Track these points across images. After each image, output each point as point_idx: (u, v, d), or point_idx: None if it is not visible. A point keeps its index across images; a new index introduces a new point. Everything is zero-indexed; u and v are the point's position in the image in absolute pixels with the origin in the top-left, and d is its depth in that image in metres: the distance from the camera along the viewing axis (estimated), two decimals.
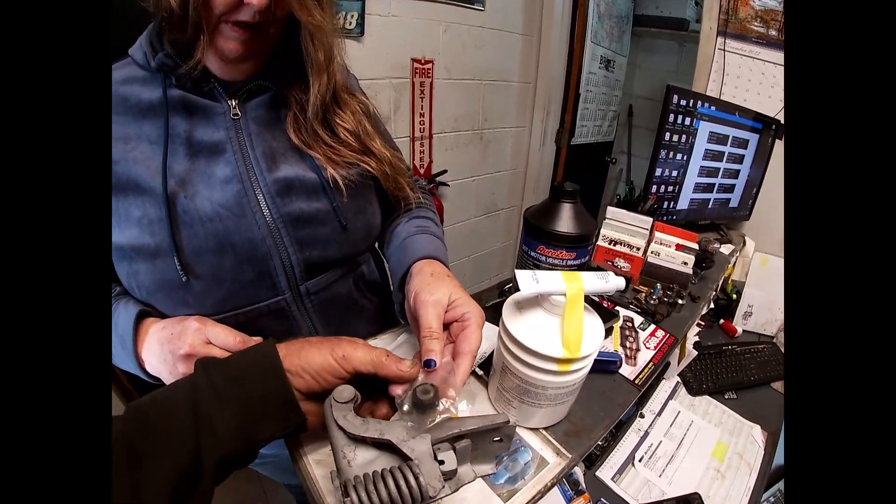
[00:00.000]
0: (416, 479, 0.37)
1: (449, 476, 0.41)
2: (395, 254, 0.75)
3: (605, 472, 1.05)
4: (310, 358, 0.46)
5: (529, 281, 0.50)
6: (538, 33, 2.16)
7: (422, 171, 1.99)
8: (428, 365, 0.50)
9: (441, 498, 0.40)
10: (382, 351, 0.49)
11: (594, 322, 0.55)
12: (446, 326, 0.57)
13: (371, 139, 0.74)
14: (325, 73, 0.65)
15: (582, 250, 0.65)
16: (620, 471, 1.06)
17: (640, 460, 1.09)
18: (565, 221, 0.64)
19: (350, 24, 1.59)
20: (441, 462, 0.40)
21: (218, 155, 0.63)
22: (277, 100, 0.68)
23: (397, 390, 0.50)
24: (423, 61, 1.81)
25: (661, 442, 1.14)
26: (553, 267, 0.65)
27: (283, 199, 0.65)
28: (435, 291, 0.57)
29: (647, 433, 1.16)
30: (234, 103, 0.65)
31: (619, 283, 0.54)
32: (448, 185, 2.11)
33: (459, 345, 0.54)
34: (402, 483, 0.37)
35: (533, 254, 0.66)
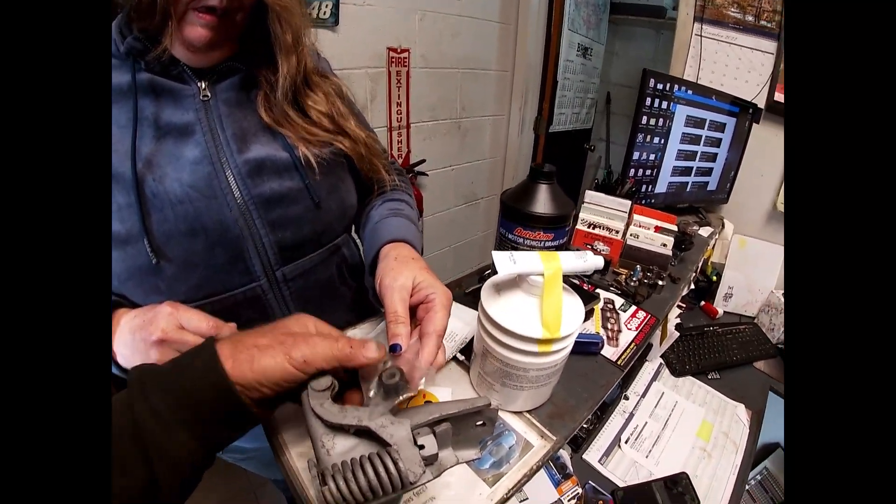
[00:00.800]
0: (396, 464, 0.36)
1: (430, 461, 0.40)
2: (367, 238, 0.75)
3: (591, 455, 1.06)
4: (265, 369, 0.40)
5: (507, 262, 0.50)
6: (515, 21, 2.15)
7: (400, 161, 1.98)
8: (394, 349, 0.51)
9: (422, 484, 0.39)
10: (344, 339, 0.45)
11: (574, 302, 0.55)
12: (413, 310, 0.57)
13: (345, 120, 0.73)
14: (293, 55, 0.65)
15: (560, 231, 0.64)
16: (607, 453, 1.07)
17: (626, 442, 1.10)
18: (542, 202, 0.63)
19: (324, 13, 1.56)
20: (421, 447, 0.39)
21: (187, 136, 0.62)
22: (248, 81, 0.67)
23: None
24: (398, 50, 1.79)
25: (646, 423, 1.15)
26: (531, 249, 0.64)
27: (253, 179, 0.64)
28: (399, 276, 0.58)
29: (632, 415, 1.17)
30: (203, 85, 0.63)
31: (598, 262, 0.54)
32: (427, 175, 2.10)
33: (425, 326, 0.54)
34: (381, 469, 0.36)
35: (511, 236, 0.65)
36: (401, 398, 0.44)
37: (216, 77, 0.65)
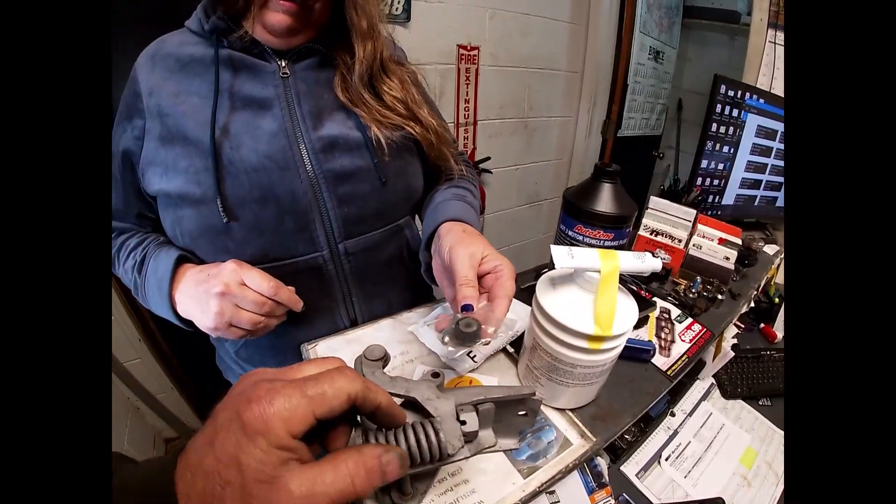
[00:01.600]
0: (437, 434, 0.37)
1: (469, 437, 0.41)
2: (427, 216, 0.76)
3: (630, 468, 1.03)
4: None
5: (565, 256, 0.50)
6: (586, 21, 2.11)
7: (468, 157, 2.00)
8: (466, 309, 0.52)
9: (460, 459, 0.40)
10: (366, 461, 0.30)
11: (628, 303, 0.54)
12: (479, 279, 0.57)
13: (419, 107, 0.76)
14: (369, 41, 0.68)
15: (620, 231, 0.63)
16: (646, 468, 1.04)
17: (666, 459, 1.06)
18: (605, 201, 0.63)
19: (397, 9, 1.59)
20: (463, 423, 0.40)
21: (265, 110, 0.66)
22: (326, 62, 0.70)
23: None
24: (468, 48, 1.80)
25: (689, 442, 1.11)
26: (591, 247, 0.64)
27: (325, 155, 0.67)
28: (469, 245, 0.58)
29: (676, 432, 1.13)
30: (283, 63, 0.67)
31: (656, 264, 0.53)
32: (491, 173, 2.10)
33: (495, 290, 0.54)
34: (422, 437, 0.37)
35: (571, 233, 0.65)
36: (476, 344, 0.47)
37: (295, 57, 0.68)
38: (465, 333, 0.46)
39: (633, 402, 0.65)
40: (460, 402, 0.41)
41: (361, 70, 0.69)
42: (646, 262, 0.53)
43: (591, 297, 0.52)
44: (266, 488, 0.26)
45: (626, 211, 0.63)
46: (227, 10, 0.63)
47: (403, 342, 0.71)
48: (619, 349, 0.54)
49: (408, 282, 0.85)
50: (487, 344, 0.49)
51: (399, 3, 1.58)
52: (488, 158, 2.03)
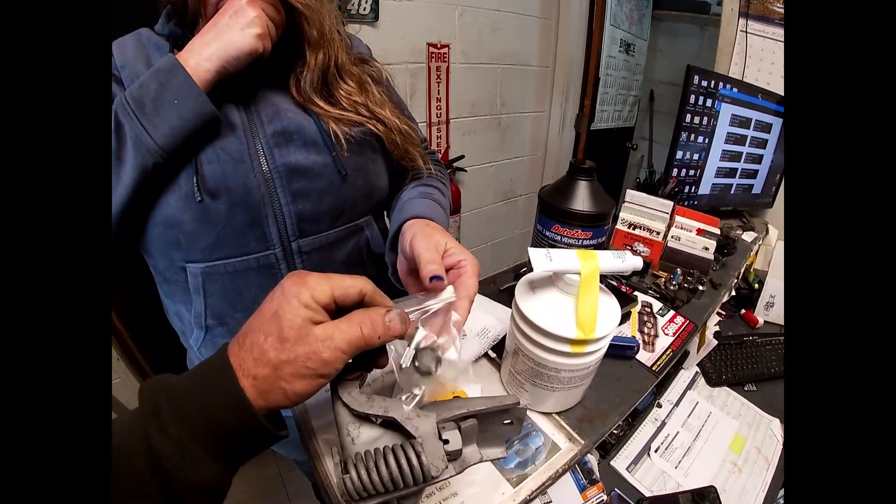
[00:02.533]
0: (419, 457, 0.35)
1: (453, 456, 0.39)
2: (394, 216, 0.73)
3: (619, 462, 1.03)
4: (298, 393, 0.36)
5: (543, 259, 0.48)
6: (556, 16, 2.11)
7: (438, 156, 1.97)
8: (435, 279, 0.48)
9: (444, 479, 0.39)
10: (365, 318, 0.39)
11: (610, 303, 0.53)
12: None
13: (380, 107, 0.74)
14: (320, 50, 0.68)
15: (598, 230, 0.63)
16: (636, 461, 1.04)
17: (655, 451, 1.06)
18: (581, 199, 0.62)
19: (364, 9, 1.57)
20: (446, 441, 0.38)
21: (222, 106, 0.65)
22: (281, 64, 0.70)
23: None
24: (438, 46, 1.79)
25: (677, 433, 1.11)
26: (568, 247, 0.62)
27: (280, 149, 0.67)
28: (432, 236, 0.55)
29: (663, 423, 1.13)
30: None
31: (636, 262, 0.52)
32: (466, 171, 2.09)
33: (458, 290, 0.50)
34: (403, 461, 0.35)
35: (548, 233, 0.64)
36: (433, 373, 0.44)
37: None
38: (420, 369, 0.43)
39: (620, 400, 0.65)
40: (442, 419, 0.40)
41: (313, 77, 0.69)
42: (626, 262, 0.52)
43: (571, 300, 0.51)
44: (296, 333, 0.36)
45: (603, 208, 0.62)
46: (179, 22, 0.66)
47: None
48: (604, 350, 0.53)
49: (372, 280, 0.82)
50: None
51: (367, 2, 1.55)
52: (462, 157, 2.02)
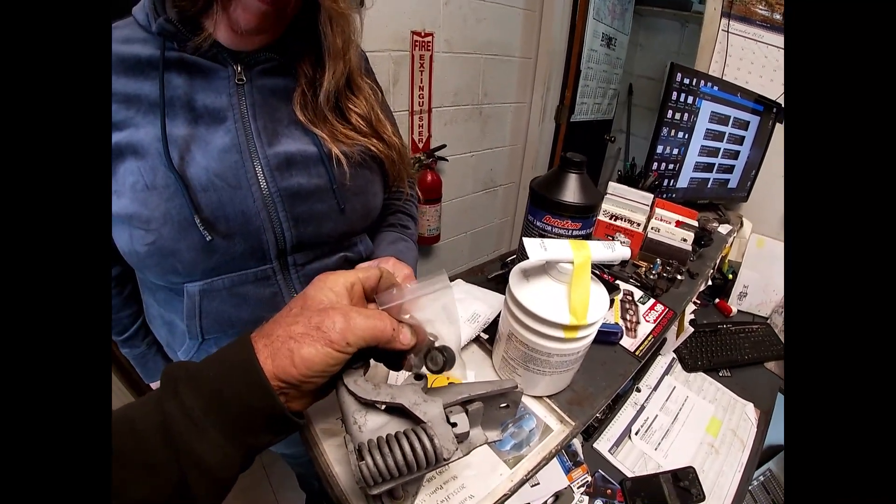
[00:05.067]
0: (432, 440, 0.37)
1: (462, 438, 0.41)
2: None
3: (602, 445, 1.07)
4: (308, 361, 0.37)
5: (538, 248, 0.50)
6: (540, 8, 2.11)
7: (420, 145, 1.97)
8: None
9: (455, 460, 0.40)
10: (385, 319, 0.41)
11: (600, 291, 0.55)
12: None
13: (382, 126, 0.73)
14: (341, 60, 0.64)
15: (587, 221, 0.65)
16: (617, 443, 1.08)
17: (636, 433, 1.11)
18: (572, 191, 0.64)
19: None
20: (454, 425, 0.40)
21: (218, 123, 0.61)
22: (284, 70, 0.66)
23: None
24: (422, 34, 1.78)
25: (656, 416, 1.16)
26: (559, 237, 0.64)
27: (281, 173, 0.64)
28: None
29: (643, 407, 1.18)
30: (238, 68, 0.62)
31: (625, 252, 0.54)
32: (447, 161, 2.09)
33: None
34: (416, 445, 0.37)
35: (539, 223, 0.66)
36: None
37: (252, 62, 0.63)
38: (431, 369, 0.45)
39: (606, 384, 0.67)
40: (448, 403, 0.41)
41: (329, 90, 0.65)
42: (616, 252, 0.54)
43: (563, 288, 0.53)
44: (318, 305, 0.39)
45: (593, 200, 0.64)
46: (183, 7, 0.57)
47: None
48: (593, 335, 0.56)
49: None
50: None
51: None
52: (444, 146, 2.02)
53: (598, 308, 0.53)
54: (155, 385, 0.95)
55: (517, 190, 2.62)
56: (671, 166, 1.30)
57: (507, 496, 0.51)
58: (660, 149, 1.23)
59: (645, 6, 2.65)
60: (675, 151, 1.28)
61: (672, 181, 1.34)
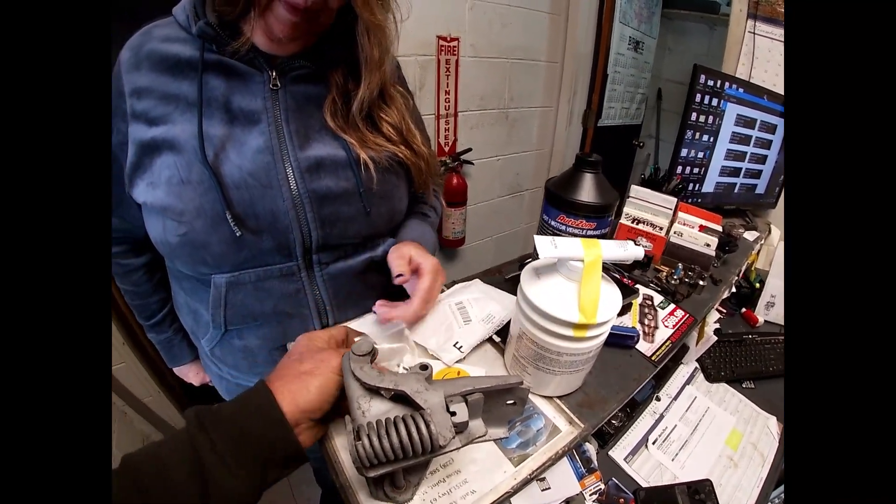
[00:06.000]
0: (428, 426, 0.37)
1: (460, 428, 0.41)
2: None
3: (617, 453, 1.05)
4: (322, 389, 0.46)
5: (548, 246, 0.50)
6: (566, 12, 2.11)
7: (446, 149, 1.98)
8: (399, 276, 0.68)
9: (451, 450, 0.41)
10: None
11: (612, 290, 0.54)
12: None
13: (412, 135, 0.74)
14: (377, 71, 0.66)
15: (602, 220, 0.64)
16: (633, 452, 1.06)
17: (653, 443, 1.08)
18: (586, 191, 0.63)
19: None
20: (453, 414, 0.40)
21: (252, 124, 0.64)
22: (317, 77, 0.68)
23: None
24: (448, 38, 1.79)
25: (675, 426, 1.13)
26: (573, 236, 0.64)
27: (311, 175, 0.66)
28: (400, 248, 0.72)
29: (662, 416, 1.15)
30: (273, 74, 0.64)
31: (638, 252, 0.54)
32: (473, 164, 2.09)
33: (412, 287, 0.69)
34: (412, 430, 0.37)
35: (553, 223, 0.66)
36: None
37: (286, 67, 0.65)
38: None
39: (619, 387, 0.66)
40: (449, 394, 0.41)
41: (363, 100, 0.67)
42: (628, 251, 0.54)
43: (574, 286, 0.53)
44: (319, 352, 0.50)
45: (607, 200, 0.64)
46: (225, 13, 0.59)
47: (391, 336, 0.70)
48: (604, 336, 0.55)
49: (383, 288, 0.83)
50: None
51: None
52: (470, 150, 2.02)
53: (608, 307, 0.52)
54: (178, 370, 1.02)
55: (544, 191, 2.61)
56: (696, 170, 1.27)
57: (509, 494, 0.50)
58: (684, 152, 1.21)
59: (673, 9, 2.61)
60: (700, 155, 1.26)
61: (697, 185, 1.31)
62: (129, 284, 0.88)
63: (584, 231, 0.64)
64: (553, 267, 0.54)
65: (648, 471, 1.02)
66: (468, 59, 1.88)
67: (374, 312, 0.72)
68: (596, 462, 1.01)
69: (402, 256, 0.70)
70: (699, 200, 1.33)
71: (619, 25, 2.22)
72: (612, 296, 0.54)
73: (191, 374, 1.02)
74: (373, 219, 0.73)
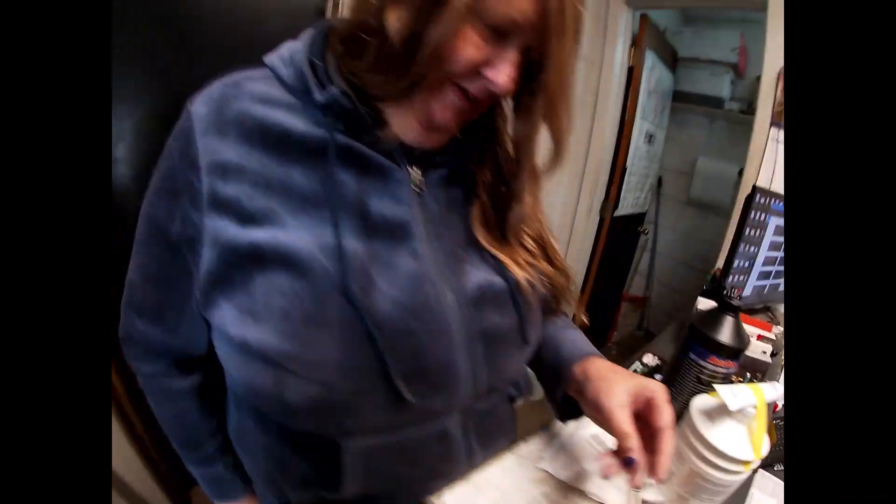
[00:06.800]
0: None
1: None
2: (544, 346, 0.67)
3: None
4: None
5: (732, 397, 0.59)
6: (593, 108, 2.24)
7: None
8: (629, 463, 0.47)
9: None
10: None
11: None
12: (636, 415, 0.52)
13: (553, 250, 0.62)
14: (539, 180, 0.54)
15: (738, 360, 0.74)
16: None
17: None
18: (730, 334, 0.73)
19: None
20: None
21: (398, 240, 0.48)
22: (459, 176, 0.54)
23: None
24: None
25: None
26: (722, 376, 0.73)
27: (477, 309, 0.51)
28: (614, 394, 0.52)
29: None
30: (416, 171, 0.50)
31: (781, 390, 0.63)
32: None
33: (656, 421, 0.50)
34: None
35: (702, 362, 0.74)
36: None
37: (428, 163, 0.51)
38: None
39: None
40: None
41: (523, 211, 0.54)
42: (777, 391, 0.63)
43: (740, 426, 0.61)
44: None
45: (746, 341, 0.73)
46: (381, 90, 0.45)
47: (536, 481, 0.64)
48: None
49: (510, 424, 0.70)
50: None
51: None
52: None
53: (765, 441, 0.61)
54: None
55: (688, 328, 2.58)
56: (740, 277, 1.40)
57: None
58: (735, 263, 1.33)
59: (679, 103, 2.81)
60: (745, 264, 1.39)
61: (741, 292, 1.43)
62: (171, 411, 0.65)
63: (729, 370, 0.73)
64: (721, 409, 0.62)
65: None
66: None
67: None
68: None
69: (623, 406, 0.51)
70: (740, 307, 1.45)
71: (639, 121, 2.39)
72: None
73: None
74: (528, 350, 0.60)
